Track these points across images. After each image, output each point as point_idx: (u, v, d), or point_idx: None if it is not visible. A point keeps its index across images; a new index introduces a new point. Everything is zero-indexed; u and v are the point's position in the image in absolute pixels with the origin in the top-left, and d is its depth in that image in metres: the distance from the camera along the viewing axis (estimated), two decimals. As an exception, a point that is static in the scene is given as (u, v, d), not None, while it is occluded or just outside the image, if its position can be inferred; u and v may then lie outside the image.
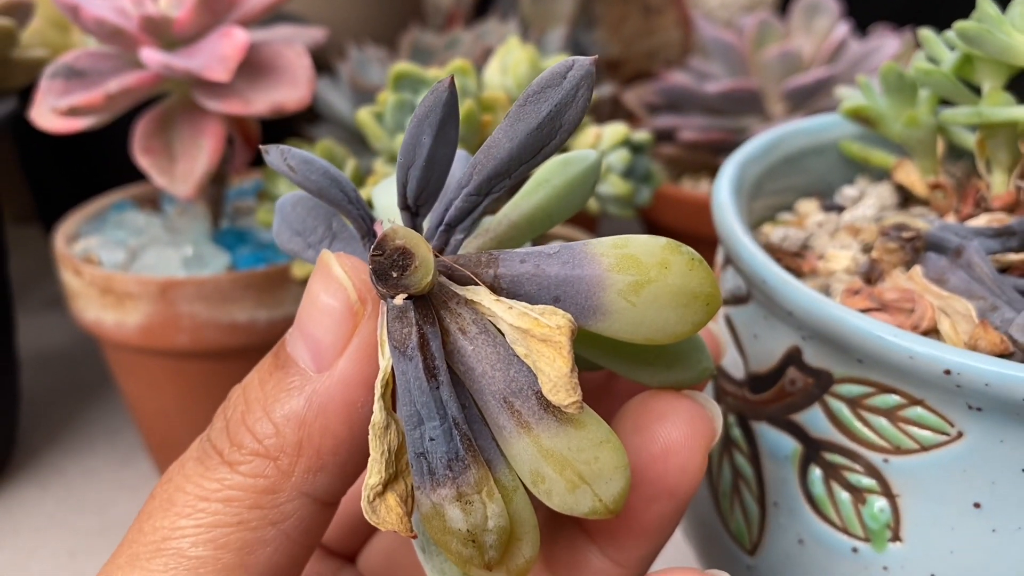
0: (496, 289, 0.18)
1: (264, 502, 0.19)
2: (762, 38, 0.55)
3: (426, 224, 0.20)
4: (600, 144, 0.36)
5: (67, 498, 0.44)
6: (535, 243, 0.23)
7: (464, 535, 0.18)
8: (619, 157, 0.36)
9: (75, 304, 0.39)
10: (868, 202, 0.33)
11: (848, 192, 0.34)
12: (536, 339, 0.17)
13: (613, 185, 0.36)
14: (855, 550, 0.25)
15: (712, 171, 0.55)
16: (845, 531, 0.25)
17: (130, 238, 0.41)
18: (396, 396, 0.18)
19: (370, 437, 0.18)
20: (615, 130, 0.37)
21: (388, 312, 0.18)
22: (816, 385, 0.25)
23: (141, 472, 0.46)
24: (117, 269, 0.39)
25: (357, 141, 0.49)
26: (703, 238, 0.52)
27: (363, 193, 0.35)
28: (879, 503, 0.24)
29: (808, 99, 0.53)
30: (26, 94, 0.43)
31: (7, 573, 0.40)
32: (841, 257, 0.29)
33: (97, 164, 0.53)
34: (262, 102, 0.34)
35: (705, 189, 0.54)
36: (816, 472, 0.25)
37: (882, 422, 0.24)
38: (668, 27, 0.68)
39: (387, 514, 0.18)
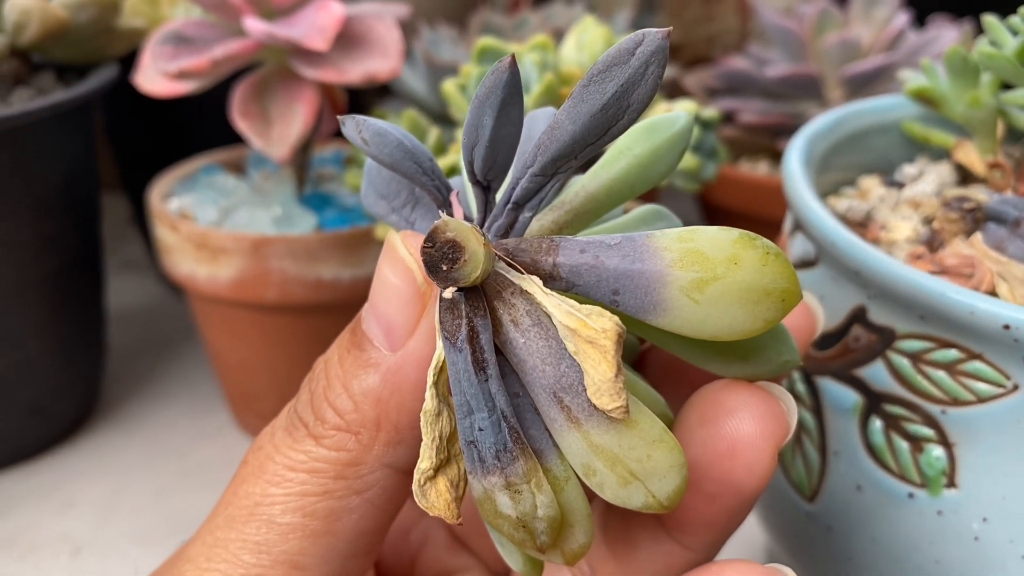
0: (554, 278, 0.18)
1: (348, 473, 0.20)
2: (822, 26, 0.56)
3: (498, 198, 0.20)
4: (671, 119, 0.38)
5: (150, 443, 0.47)
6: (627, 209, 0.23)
7: (514, 520, 0.18)
8: (688, 132, 0.38)
9: (169, 258, 0.42)
10: (928, 179, 0.34)
11: (908, 170, 0.35)
12: (583, 339, 0.17)
13: (683, 159, 0.38)
14: (911, 495, 0.26)
15: (770, 154, 0.56)
16: (902, 477, 0.26)
17: (221, 198, 0.43)
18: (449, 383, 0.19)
19: (421, 423, 0.18)
20: (685, 106, 0.39)
21: (440, 302, 0.18)
22: (880, 341, 0.27)
23: (218, 422, 0.49)
24: (211, 226, 0.41)
25: (431, 116, 0.51)
26: (760, 219, 0.54)
27: (445, 162, 0.37)
28: (936, 451, 0.26)
29: (866, 85, 0.54)
30: (125, 63, 0.46)
31: (101, 507, 0.43)
32: (903, 227, 0.31)
33: (180, 134, 0.55)
34: (355, 71, 0.36)
35: (763, 171, 0.55)
36: (877, 423, 0.27)
37: (941, 375, 0.25)
38: (727, 14, 0.70)
39: (436, 499, 0.18)
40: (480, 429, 0.18)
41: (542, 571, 0.21)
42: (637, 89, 0.18)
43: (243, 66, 0.39)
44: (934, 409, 0.26)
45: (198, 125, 0.54)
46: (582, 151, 0.18)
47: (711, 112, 0.39)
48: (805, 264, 0.30)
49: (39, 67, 0.44)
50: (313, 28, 0.35)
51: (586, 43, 0.39)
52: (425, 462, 0.18)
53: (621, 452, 0.18)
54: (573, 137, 0.18)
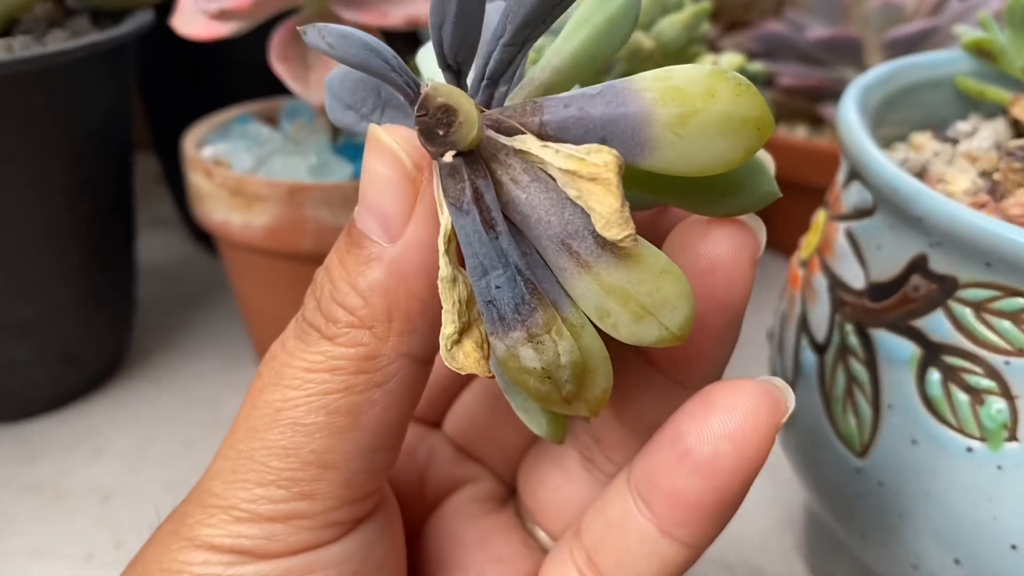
0: (543, 136, 0.19)
1: (367, 367, 0.20)
2: (864, -10, 0.55)
3: (469, 81, 0.20)
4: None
5: (180, 395, 0.47)
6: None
7: (539, 372, 0.19)
8: (735, 85, 0.37)
9: (202, 206, 0.42)
10: (983, 135, 0.33)
11: (962, 127, 0.35)
12: (585, 179, 0.18)
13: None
14: (970, 449, 0.26)
15: (808, 118, 0.55)
16: (961, 431, 0.26)
17: (255, 147, 0.42)
18: (460, 250, 0.19)
19: (439, 290, 0.19)
20: (732, 59, 0.38)
21: (440, 170, 0.19)
22: (940, 291, 0.26)
23: (248, 375, 0.48)
24: (245, 173, 0.41)
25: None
26: (798, 184, 0.53)
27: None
28: (997, 404, 0.25)
29: (909, 50, 0.53)
30: (159, 13, 0.45)
31: (130, 456, 0.43)
32: (961, 180, 0.30)
33: (211, 92, 0.55)
34: (397, 15, 0.36)
35: (801, 135, 0.54)
36: (935, 375, 0.26)
37: (1006, 325, 0.25)
38: (764, -20, 0.69)
39: (464, 359, 0.19)
40: (497, 287, 0.18)
41: (564, 433, 0.22)
42: None
43: (283, 10, 0.38)
44: (997, 360, 0.25)
45: (229, 80, 0.54)
46: (550, 13, 0.18)
47: (758, 66, 0.39)
48: (861, 214, 0.29)
49: (73, 12, 0.44)
50: (356, -31, 0.34)
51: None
52: (449, 327, 0.19)
53: (632, 288, 0.18)
54: None
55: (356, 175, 0.41)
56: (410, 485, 0.28)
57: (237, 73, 0.53)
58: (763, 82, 0.40)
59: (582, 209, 0.18)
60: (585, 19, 0.21)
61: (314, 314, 0.21)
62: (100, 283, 0.45)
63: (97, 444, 0.43)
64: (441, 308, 0.20)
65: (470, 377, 0.29)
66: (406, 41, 0.57)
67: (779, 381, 0.21)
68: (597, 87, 0.18)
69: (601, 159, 0.17)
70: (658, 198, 0.21)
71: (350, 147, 0.43)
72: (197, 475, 0.41)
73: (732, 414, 0.21)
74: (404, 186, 0.20)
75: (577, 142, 0.18)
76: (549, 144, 0.18)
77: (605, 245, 0.18)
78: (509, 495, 0.29)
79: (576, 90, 0.19)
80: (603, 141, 0.18)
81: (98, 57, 0.40)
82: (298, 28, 0.19)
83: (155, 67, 0.56)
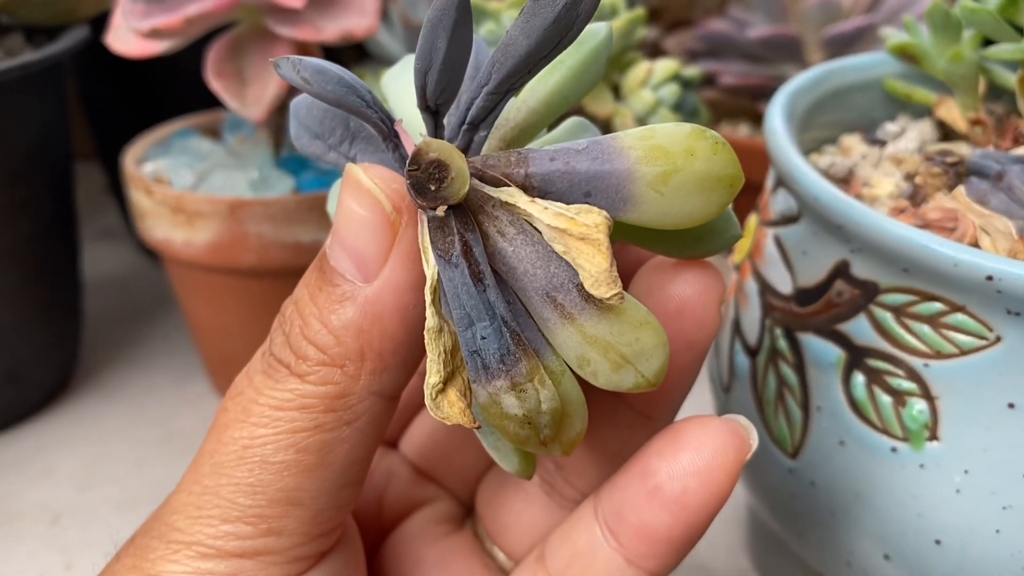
0: (528, 188, 0.19)
1: (337, 405, 0.20)
2: (802, -13, 0.56)
3: (447, 123, 0.20)
4: (652, 79, 0.38)
5: (130, 411, 0.47)
6: (551, 127, 0.24)
7: (520, 418, 0.19)
8: (670, 91, 0.38)
9: (144, 223, 0.41)
10: (910, 136, 0.34)
11: (890, 128, 0.35)
12: (574, 237, 0.18)
13: (663, 118, 0.38)
14: (894, 449, 0.26)
15: (750, 116, 0.56)
16: (885, 432, 0.27)
17: (196, 162, 0.42)
18: (445, 300, 0.19)
19: (426, 341, 0.19)
20: (666, 65, 0.38)
21: (429, 223, 0.19)
22: (862, 296, 0.27)
23: (199, 389, 0.48)
24: (186, 190, 0.40)
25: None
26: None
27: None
28: (918, 405, 0.26)
29: (847, 47, 0.54)
30: (97, 26, 0.45)
31: (80, 476, 0.42)
32: (885, 183, 0.31)
33: (156, 100, 0.54)
34: (332, 29, 0.36)
35: (743, 133, 0.55)
36: (859, 377, 0.27)
37: (924, 329, 0.25)
38: (707, -23, 0.69)
39: (449, 409, 0.19)
40: (483, 338, 0.19)
41: (534, 470, 0.23)
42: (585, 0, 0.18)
43: (218, 25, 0.38)
44: (917, 363, 0.26)
45: (174, 90, 0.54)
46: (535, 65, 0.19)
47: (692, 71, 0.39)
48: (787, 220, 0.30)
49: (7, 29, 0.43)
50: (288, -15, 0.34)
51: None
52: (434, 377, 0.19)
53: (613, 339, 0.19)
54: (528, 51, 0.18)
55: (298, 189, 0.41)
56: (368, 506, 0.28)
57: (182, 83, 0.53)
58: (699, 85, 0.40)
59: (567, 263, 0.19)
60: (559, 60, 0.21)
61: (283, 350, 0.21)
62: (44, 301, 0.45)
63: (46, 464, 0.43)
64: (411, 347, 0.21)
65: None
66: (352, 53, 0.57)
67: (743, 419, 0.22)
68: (583, 141, 0.19)
69: (592, 220, 0.18)
70: (631, 242, 0.22)
71: (292, 160, 0.43)
72: (149, 494, 0.41)
73: (701, 452, 0.21)
74: (382, 228, 0.20)
75: (561, 195, 0.19)
76: (537, 200, 0.19)
77: (589, 298, 0.19)
78: (466, 515, 0.29)
79: (563, 144, 0.19)
80: (587, 195, 0.19)
81: (32, 76, 0.40)
82: (271, 61, 0.19)
83: (97, 78, 0.55)
